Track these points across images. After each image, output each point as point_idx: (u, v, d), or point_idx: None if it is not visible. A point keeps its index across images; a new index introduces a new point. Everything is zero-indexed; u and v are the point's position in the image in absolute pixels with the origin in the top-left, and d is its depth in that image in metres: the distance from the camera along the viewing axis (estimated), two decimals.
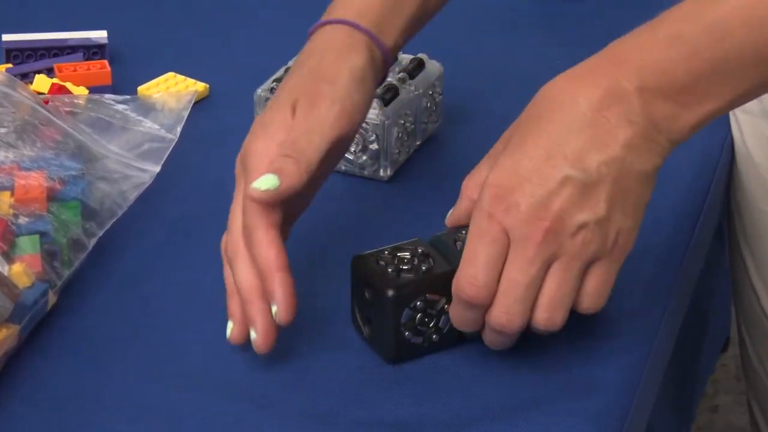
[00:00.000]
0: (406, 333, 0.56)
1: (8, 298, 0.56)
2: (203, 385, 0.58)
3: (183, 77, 0.84)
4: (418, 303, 0.56)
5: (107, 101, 0.74)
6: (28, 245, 0.60)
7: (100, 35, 0.87)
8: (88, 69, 0.81)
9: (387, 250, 0.58)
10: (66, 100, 0.74)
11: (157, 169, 0.69)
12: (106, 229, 0.65)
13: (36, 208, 0.62)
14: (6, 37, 0.86)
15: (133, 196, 0.67)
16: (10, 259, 0.59)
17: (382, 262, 0.57)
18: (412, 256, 0.57)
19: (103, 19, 0.92)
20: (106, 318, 0.61)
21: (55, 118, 0.69)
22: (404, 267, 0.57)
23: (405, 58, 0.81)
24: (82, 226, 0.64)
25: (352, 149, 0.75)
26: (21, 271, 0.58)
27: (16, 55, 0.83)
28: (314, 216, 0.73)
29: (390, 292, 0.55)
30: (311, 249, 0.69)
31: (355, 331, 0.60)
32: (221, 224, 0.69)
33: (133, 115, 0.73)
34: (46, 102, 0.71)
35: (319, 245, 0.70)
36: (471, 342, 0.58)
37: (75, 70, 0.81)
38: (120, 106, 0.73)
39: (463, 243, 0.56)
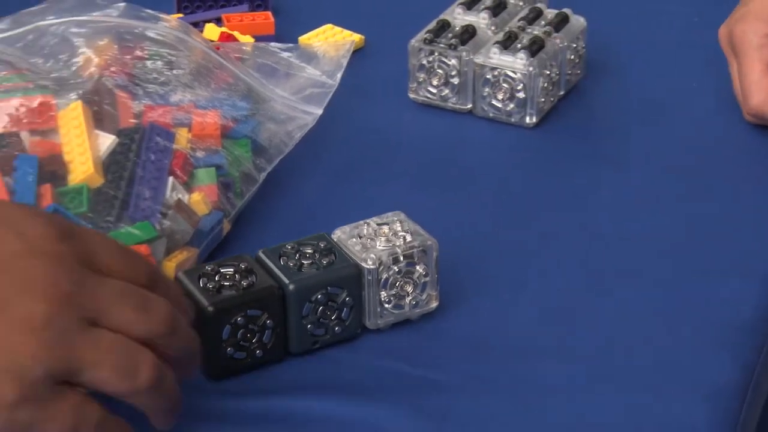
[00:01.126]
0: (228, 349, 0.54)
1: (189, 224, 0.61)
2: None
3: (340, 29, 0.87)
4: (239, 319, 0.54)
5: (273, 49, 0.77)
6: (205, 177, 0.64)
7: None
8: (253, 19, 0.85)
9: (210, 266, 0.56)
10: (234, 46, 0.78)
11: (320, 111, 0.72)
12: (274, 165, 0.69)
13: (211, 143, 0.66)
14: None
15: (298, 135, 0.71)
16: (189, 188, 0.63)
17: (204, 279, 0.55)
18: (235, 272, 0.55)
19: None
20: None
21: (226, 63, 0.73)
22: (226, 283, 0.55)
23: (550, 12, 0.82)
24: (253, 162, 0.68)
25: (500, 97, 0.77)
26: (200, 200, 0.62)
27: (187, 5, 0.88)
28: (462, 160, 0.76)
29: (209, 309, 0.53)
30: (459, 191, 0.71)
31: None
32: (377, 170, 0.72)
33: (296, 61, 0.76)
34: (217, 48, 0.75)
35: (467, 188, 0.72)
36: (296, 356, 0.57)
37: (241, 20, 0.85)
38: (284, 54, 0.77)
39: (288, 258, 0.56)
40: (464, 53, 0.77)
